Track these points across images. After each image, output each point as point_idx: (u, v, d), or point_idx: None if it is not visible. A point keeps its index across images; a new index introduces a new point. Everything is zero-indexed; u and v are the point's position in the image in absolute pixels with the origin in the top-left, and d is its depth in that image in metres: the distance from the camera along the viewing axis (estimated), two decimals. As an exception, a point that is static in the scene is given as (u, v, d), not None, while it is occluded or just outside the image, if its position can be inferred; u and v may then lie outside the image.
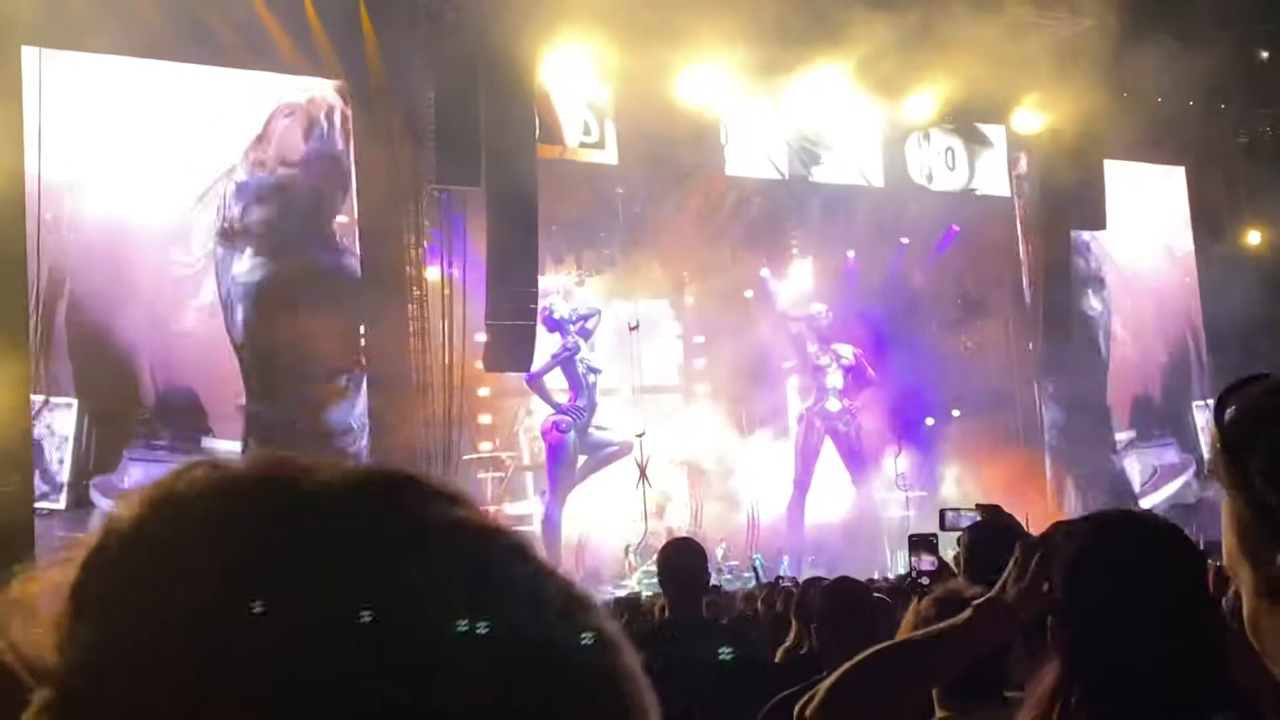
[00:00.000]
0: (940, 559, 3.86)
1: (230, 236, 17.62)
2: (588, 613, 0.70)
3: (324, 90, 18.50)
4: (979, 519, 4.42)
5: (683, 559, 4.15)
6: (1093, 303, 24.85)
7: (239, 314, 17.60)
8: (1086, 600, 1.89)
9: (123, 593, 0.66)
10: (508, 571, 0.68)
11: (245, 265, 17.69)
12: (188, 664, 0.63)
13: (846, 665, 2.15)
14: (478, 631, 0.65)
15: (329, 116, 18.50)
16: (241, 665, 0.63)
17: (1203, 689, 1.81)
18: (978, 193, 23.43)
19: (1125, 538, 1.95)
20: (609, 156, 20.40)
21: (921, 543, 4.03)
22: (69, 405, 16.21)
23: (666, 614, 4.41)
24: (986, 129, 23.46)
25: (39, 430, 15.96)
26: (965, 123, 23.01)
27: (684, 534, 19.49)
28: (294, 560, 0.66)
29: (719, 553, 19.40)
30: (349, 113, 18.54)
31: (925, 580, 3.64)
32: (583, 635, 0.68)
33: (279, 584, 0.65)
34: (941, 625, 2.15)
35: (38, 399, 15.99)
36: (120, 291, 16.70)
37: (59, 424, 16.14)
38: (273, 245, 17.88)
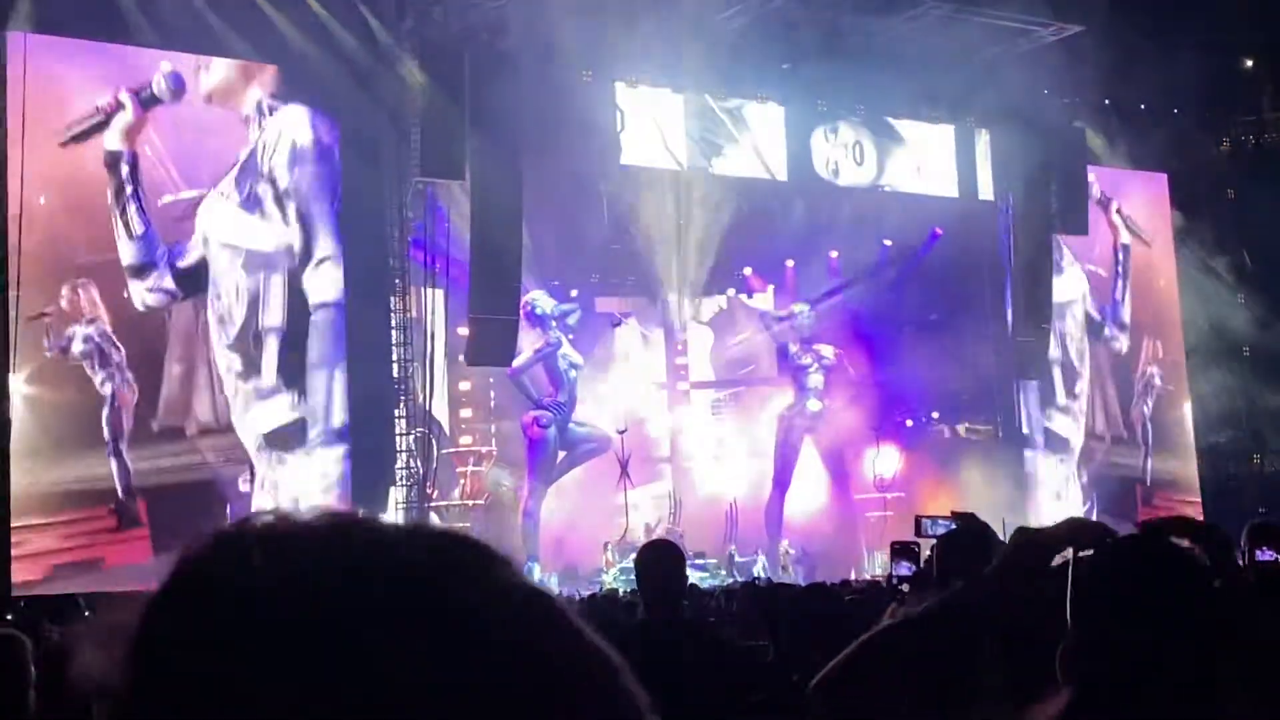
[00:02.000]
0: (920, 567, 3.89)
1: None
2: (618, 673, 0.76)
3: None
4: (953, 527, 4.46)
5: (659, 562, 4.17)
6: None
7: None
8: (1105, 632, 1.88)
9: (186, 633, 0.67)
10: (564, 636, 0.73)
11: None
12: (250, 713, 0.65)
13: (857, 643, 2.14)
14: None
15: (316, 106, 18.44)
16: None
17: None
18: (959, 196, 23.47)
19: (1150, 568, 1.93)
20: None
21: (903, 550, 4.06)
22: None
23: (641, 615, 4.44)
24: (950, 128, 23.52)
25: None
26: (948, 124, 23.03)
27: (663, 531, 19.60)
28: (370, 618, 0.66)
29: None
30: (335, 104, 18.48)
31: (905, 587, 3.67)
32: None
33: (352, 641, 0.66)
34: (937, 600, 2.12)
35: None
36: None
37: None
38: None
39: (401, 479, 18.66)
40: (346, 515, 0.74)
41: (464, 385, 20.38)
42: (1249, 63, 25.64)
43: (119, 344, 16.33)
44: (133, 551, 15.72)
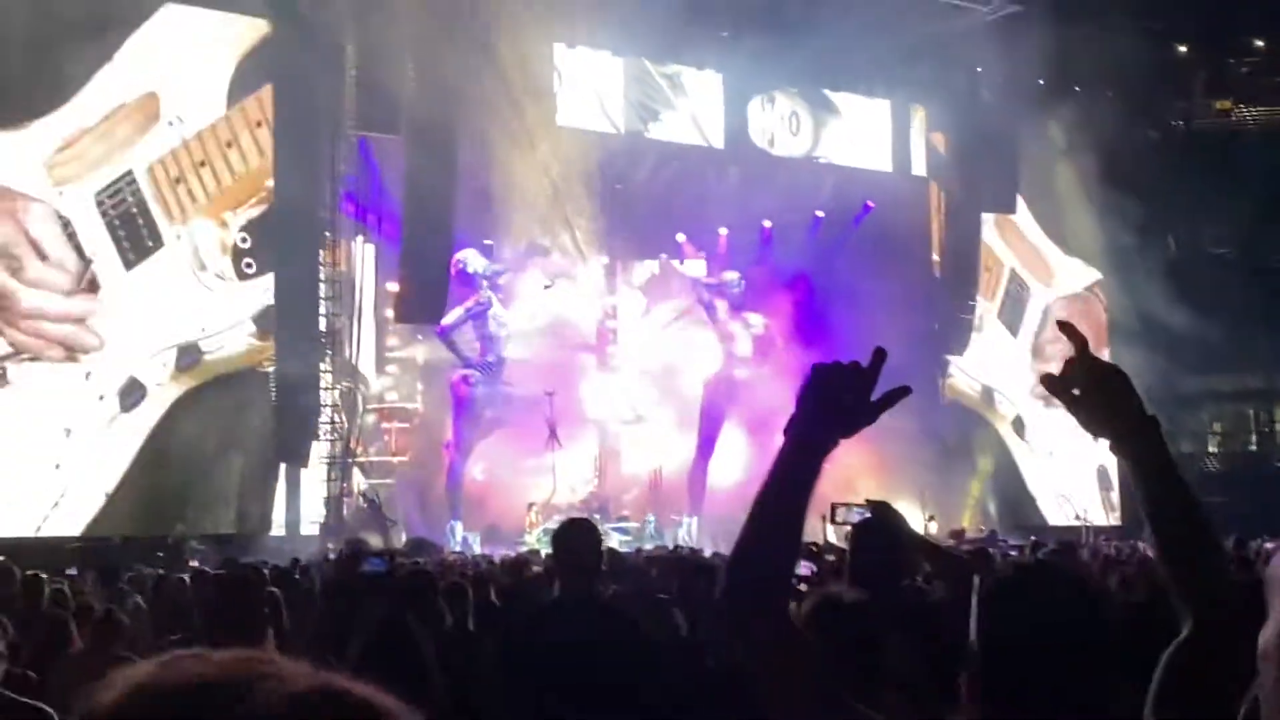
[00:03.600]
0: (819, 565, 3.95)
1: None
2: None
3: (247, 28, 18.15)
4: (867, 515, 4.52)
5: (575, 540, 4.21)
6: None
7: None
8: (1005, 654, 1.95)
9: None
10: None
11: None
12: None
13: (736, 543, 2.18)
14: None
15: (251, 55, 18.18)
16: None
17: None
18: (893, 171, 23.61)
19: (1044, 592, 2.00)
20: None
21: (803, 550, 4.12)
22: None
23: (558, 593, 4.49)
24: (872, 101, 23.61)
25: None
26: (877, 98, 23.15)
27: (588, 495, 19.68)
28: None
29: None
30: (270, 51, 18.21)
31: (803, 587, 3.72)
32: None
33: None
34: (777, 464, 2.15)
35: None
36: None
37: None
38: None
39: (326, 434, 18.51)
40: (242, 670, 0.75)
41: (392, 341, 20.27)
42: (1182, 49, 25.94)
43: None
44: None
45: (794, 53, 20.99)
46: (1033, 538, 16.71)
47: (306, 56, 17.98)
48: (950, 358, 24.50)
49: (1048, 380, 2.00)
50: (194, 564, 13.94)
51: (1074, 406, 1.97)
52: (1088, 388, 1.97)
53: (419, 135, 18.20)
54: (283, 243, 18.21)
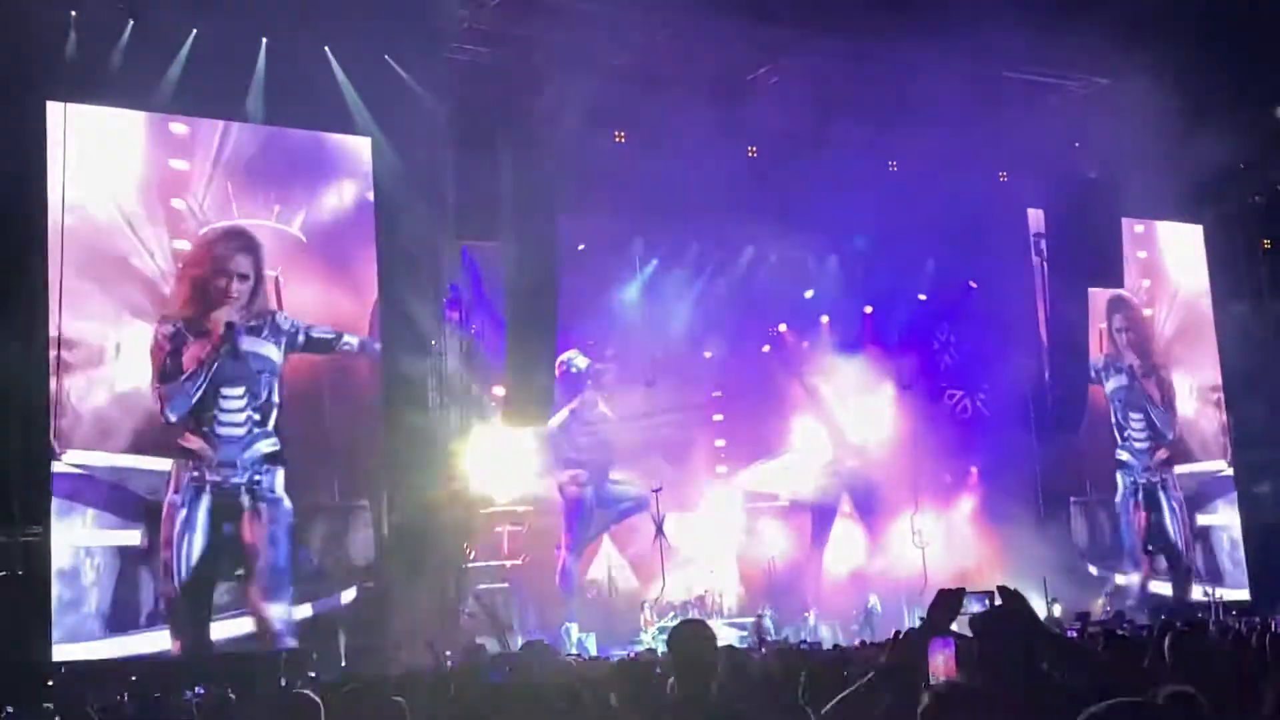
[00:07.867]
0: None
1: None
2: None
3: (352, 146, 18.53)
4: (987, 604, 4.43)
5: (690, 644, 4.18)
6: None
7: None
8: None
9: None
10: None
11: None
12: None
13: None
14: None
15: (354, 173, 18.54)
16: None
17: None
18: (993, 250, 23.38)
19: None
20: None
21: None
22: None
23: (674, 694, 4.46)
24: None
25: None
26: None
27: (701, 591, 19.55)
28: None
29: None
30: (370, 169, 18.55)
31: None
32: None
33: None
34: None
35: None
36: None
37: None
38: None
39: (439, 540, 18.53)
40: None
41: (500, 445, 20.29)
42: (1280, 112, 25.44)
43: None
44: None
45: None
46: (1162, 617, 16.25)
47: (407, 169, 18.29)
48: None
49: None
50: (311, 675, 14.04)
51: None
52: None
53: (519, 240, 18.33)
54: (389, 353, 18.37)
